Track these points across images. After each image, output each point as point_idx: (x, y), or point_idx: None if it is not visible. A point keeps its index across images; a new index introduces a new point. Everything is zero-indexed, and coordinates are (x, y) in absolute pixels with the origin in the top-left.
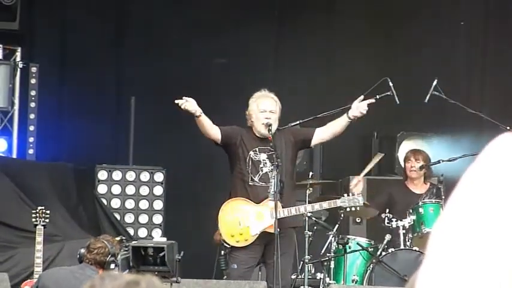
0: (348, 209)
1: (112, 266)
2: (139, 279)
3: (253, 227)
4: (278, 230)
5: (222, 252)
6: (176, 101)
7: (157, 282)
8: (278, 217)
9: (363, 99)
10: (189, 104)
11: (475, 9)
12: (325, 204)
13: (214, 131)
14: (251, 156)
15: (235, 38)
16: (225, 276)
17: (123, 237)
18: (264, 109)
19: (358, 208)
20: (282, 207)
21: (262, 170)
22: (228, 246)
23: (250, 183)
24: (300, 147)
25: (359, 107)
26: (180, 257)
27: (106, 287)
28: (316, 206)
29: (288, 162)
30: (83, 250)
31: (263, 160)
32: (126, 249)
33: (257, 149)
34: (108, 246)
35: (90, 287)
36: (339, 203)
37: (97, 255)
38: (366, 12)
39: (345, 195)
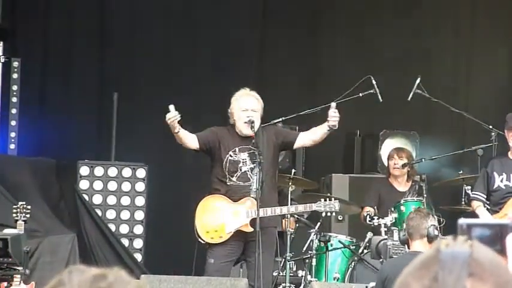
0: (324, 214)
1: None
2: (106, 272)
3: (229, 225)
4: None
5: None
6: (171, 106)
7: (125, 276)
8: (255, 216)
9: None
10: (173, 117)
11: (461, 6)
12: (301, 208)
13: (191, 141)
14: (229, 157)
15: (219, 35)
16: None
17: None
18: (245, 108)
19: (334, 213)
20: (260, 207)
21: (241, 170)
22: (203, 242)
23: (228, 183)
24: (281, 149)
25: (330, 117)
26: (28, 249)
27: (73, 281)
28: (292, 209)
29: (269, 161)
30: None
31: (243, 160)
32: None
33: (237, 148)
34: None
35: (58, 281)
36: (314, 207)
37: None
38: (349, 10)
39: (322, 199)
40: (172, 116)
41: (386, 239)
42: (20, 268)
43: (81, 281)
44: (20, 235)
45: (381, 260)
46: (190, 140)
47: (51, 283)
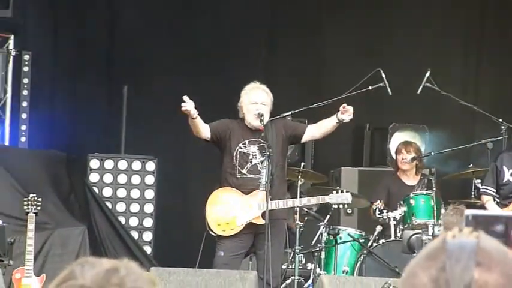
0: (336, 206)
1: None
2: (118, 266)
3: (240, 217)
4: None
5: None
6: (185, 97)
7: (136, 268)
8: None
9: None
10: (189, 105)
11: None
12: (313, 200)
13: (205, 130)
14: (239, 149)
15: (228, 27)
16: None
17: None
18: (255, 101)
19: (346, 205)
20: (271, 200)
21: (251, 162)
22: (214, 235)
23: (238, 176)
24: (290, 142)
25: (344, 113)
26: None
27: (85, 274)
28: (304, 201)
29: (279, 154)
30: None
31: (252, 152)
32: None
33: (247, 141)
34: None
35: (69, 273)
36: (326, 199)
37: None
38: (358, 1)
39: (334, 191)
40: (188, 104)
41: (419, 233)
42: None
43: (93, 275)
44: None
45: (414, 254)
46: (203, 128)
47: (62, 275)
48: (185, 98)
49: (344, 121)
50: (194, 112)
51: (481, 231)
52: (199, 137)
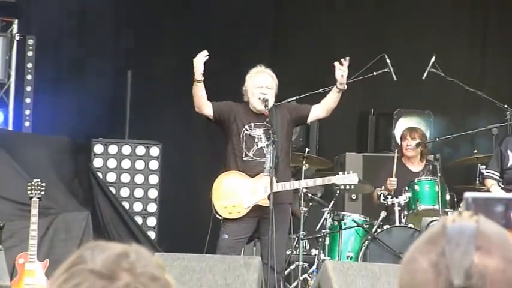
0: (342, 187)
1: None
2: (128, 250)
3: (246, 200)
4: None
5: None
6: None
7: (146, 253)
8: (274, 191)
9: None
10: (203, 59)
11: None
12: (319, 181)
13: (207, 106)
14: (245, 131)
15: (234, 12)
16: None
17: None
18: (260, 85)
19: (352, 186)
20: (276, 182)
21: (257, 145)
22: (221, 218)
23: (244, 159)
24: (296, 124)
25: (336, 71)
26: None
27: (95, 259)
28: (310, 182)
29: (284, 138)
30: None
31: (258, 136)
32: None
33: (252, 124)
34: None
35: (79, 257)
36: (333, 180)
37: None
38: None
39: (340, 173)
40: (201, 56)
41: (437, 220)
42: None
43: (104, 259)
44: None
45: None
46: (205, 102)
47: (71, 259)
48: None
49: (343, 85)
50: (201, 68)
51: (481, 215)
52: (201, 113)
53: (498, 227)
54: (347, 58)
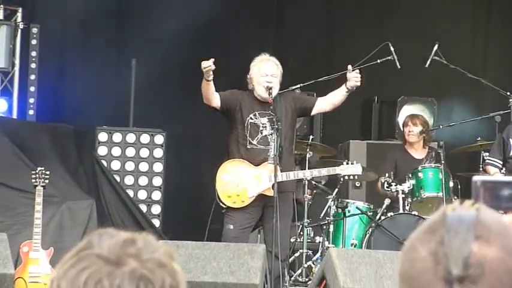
0: (347, 177)
1: None
2: (136, 238)
3: (251, 189)
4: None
5: None
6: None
7: (154, 241)
8: (278, 180)
9: (359, 66)
10: (212, 64)
11: None
12: (324, 171)
13: (215, 97)
14: (250, 120)
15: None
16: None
17: None
18: (265, 73)
19: (356, 176)
20: (281, 171)
21: (261, 133)
22: (224, 206)
23: (248, 147)
24: (299, 115)
25: (351, 78)
26: None
27: (103, 243)
28: (315, 172)
29: (288, 127)
30: None
31: (263, 124)
32: None
33: (257, 112)
34: None
35: (87, 242)
36: (337, 170)
37: None
38: None
39: (344, 162)
40: (208, 64)
41: None
42: None
43: (111, 244)
44: None
45: None
46: (214, 94)
47: (80, 244)
48: (210, 61)
49: (353, 89)
50: (211, 74)
51: (481, 204)
52: (209, 105)
53: (498, 216)
54: (349, 67)
